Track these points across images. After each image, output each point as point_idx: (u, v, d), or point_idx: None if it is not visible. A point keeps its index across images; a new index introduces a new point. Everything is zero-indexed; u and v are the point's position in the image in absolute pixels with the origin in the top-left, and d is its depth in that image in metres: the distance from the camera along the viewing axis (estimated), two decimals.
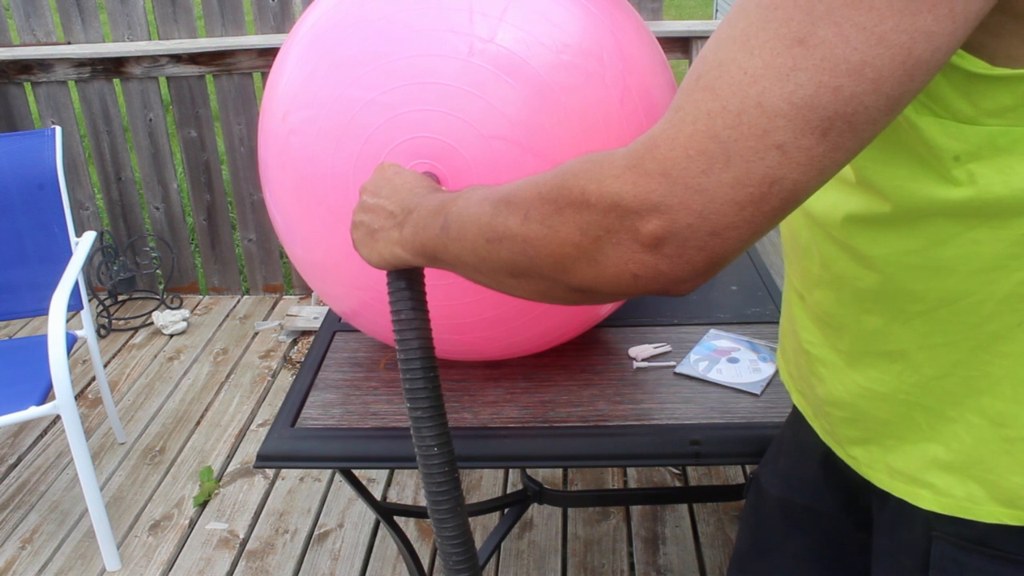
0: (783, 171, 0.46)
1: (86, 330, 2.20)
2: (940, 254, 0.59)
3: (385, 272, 0.81)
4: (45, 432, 2.50)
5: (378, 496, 2.18)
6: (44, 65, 2.87)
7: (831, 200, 0.65)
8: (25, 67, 2.88)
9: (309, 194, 1.13)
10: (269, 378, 2.73)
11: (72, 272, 2.01)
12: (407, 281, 0.79)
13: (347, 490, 2.20)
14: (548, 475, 2.21)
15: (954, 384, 0.64)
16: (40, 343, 1.98)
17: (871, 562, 0.79)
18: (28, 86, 2.95)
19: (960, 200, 0.56)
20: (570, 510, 2.10)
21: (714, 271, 0.50)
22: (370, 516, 2.12)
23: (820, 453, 0.85)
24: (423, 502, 0.89)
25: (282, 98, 1.16)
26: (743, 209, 0.47)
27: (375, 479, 2.25)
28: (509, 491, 2.16)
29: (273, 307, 3.17)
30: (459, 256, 0.65)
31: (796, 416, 0.92)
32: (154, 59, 2.84)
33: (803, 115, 0.45)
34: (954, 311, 0.61)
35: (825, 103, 0.45)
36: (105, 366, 2.78)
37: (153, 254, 3.21)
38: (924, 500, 0.68)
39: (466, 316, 1.15)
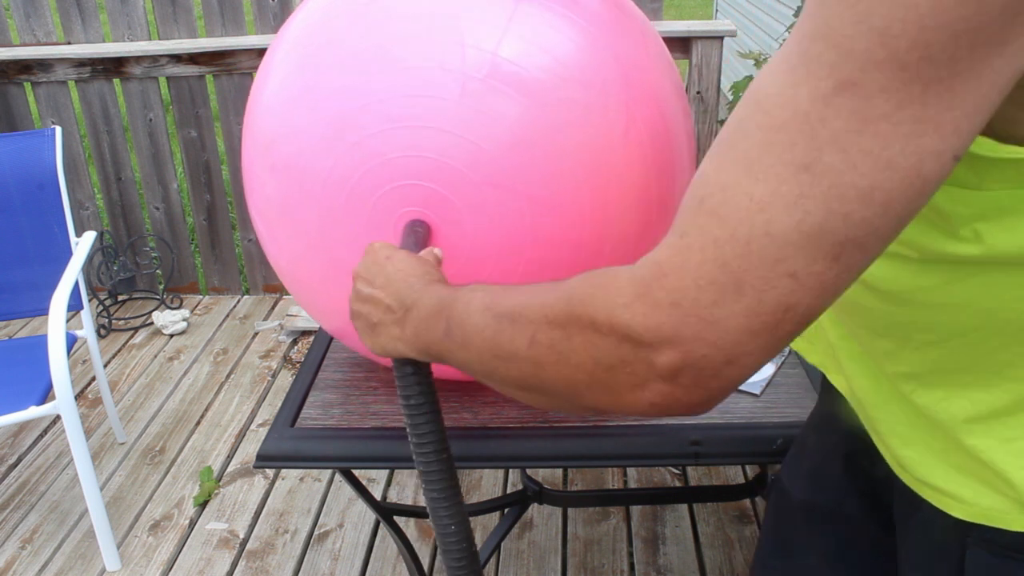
0: (796, 297, 0.45)
1: (86, 330, 2.20)
2: (952, 291, 0.59)
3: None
4: (45, 432, 2.50)
5: (378, 496, 2.18)
6: (44, 65, 2.86)
7: None
8: (25, 67, 2.88)
9: (293, 223, 1.09)
10: (269, 378, 2.73)
11: (72, 272, 2.01)
12: (413, 366, 0.79)
13: (347, 490, 2.20)
14: (548, 475, 2.21)
15: (965, 406, 0.64)
16: (40, 343, 1.98)
17: (896, 565, 0.79)
18: (28, 86, 2.95)
19: (969, 255, 0.56)
20: (570, 510, 2.10)
21: (732, 391, 0.50)
22: (370, 516, 2.12)
23: (843, 455, 0.85)
24: (423, 502, 0.90)
25: (264, 128, 1.09)
26: (757, 337, 0.46)
27: (375, 479, 2.25)
28: (509, 491, 2.16)
29: (273, 307, 3.17)
30: (467, 363, 0.64)
31: (818, 418, 0.93)
32: (154, 59, 2.84)
33: (814, 243, 0.44)
34: (965, 343, 0.61)
35: (835, 229, 0.44)
36: (105, 366, 2.78)
37: (153, 254, 3.21)
38: (952, 507, 0.68)
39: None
